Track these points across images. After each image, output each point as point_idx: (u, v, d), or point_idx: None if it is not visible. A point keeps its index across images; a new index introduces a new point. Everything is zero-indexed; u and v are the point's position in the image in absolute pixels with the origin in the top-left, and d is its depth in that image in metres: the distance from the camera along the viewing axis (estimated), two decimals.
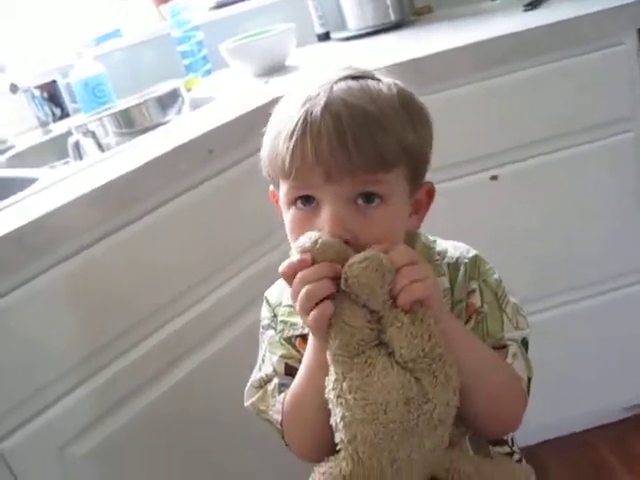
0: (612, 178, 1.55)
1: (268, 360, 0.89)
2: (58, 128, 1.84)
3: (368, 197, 0.74)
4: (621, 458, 1.77)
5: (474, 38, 1.47)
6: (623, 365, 1.71)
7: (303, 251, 0.71)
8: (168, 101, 1.54)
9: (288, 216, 0.78)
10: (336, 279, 0.70)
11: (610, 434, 1.83)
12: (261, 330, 0.93)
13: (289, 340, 0.87)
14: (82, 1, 2.12)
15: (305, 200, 0.76)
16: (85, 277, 1.12)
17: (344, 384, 0.70)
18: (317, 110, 0.72)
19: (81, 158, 1.50)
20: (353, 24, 1.93)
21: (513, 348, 0.84)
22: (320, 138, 0.71)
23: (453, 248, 0.88)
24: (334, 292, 0.70)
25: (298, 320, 0.84)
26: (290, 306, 0.87)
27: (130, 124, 1.52)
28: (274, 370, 0.88)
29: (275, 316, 0.90)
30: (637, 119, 1.53)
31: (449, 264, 0.86)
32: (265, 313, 0.93)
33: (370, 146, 0.72)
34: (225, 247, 1.30)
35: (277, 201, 0.83)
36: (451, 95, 1.44)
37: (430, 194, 0.83)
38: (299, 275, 0.71)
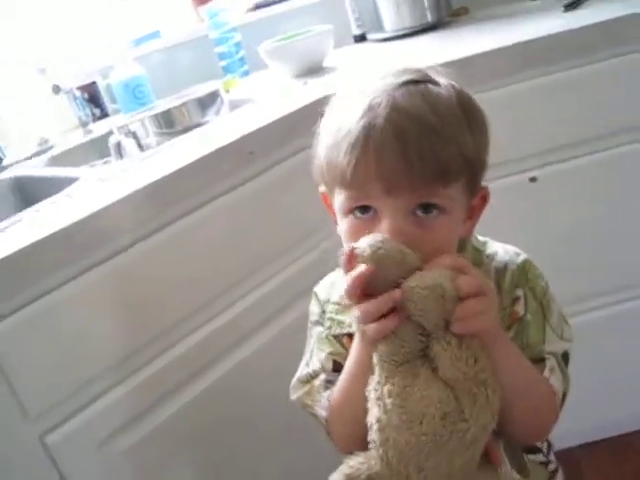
0: None
1: (316, 356, 0.90)
2: (98, 128, 1.87)
3: (427, 208, 0.73)
4: None
5: (515, 39, 1.46)
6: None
7: (363, 261, 0.70)
8: (208, 102, 1.55)
9: (344, 224, 0.78)
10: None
11: None
12: (309, 325, 0.94)
13: (337, 337, 0.88)
14: (122, 2, 2.15)
15: (363, 209, 0.75)
16: (127, 277, 1.13)
17: (385, 388, 0.71)
18: (379, 122, 0.71)
19: (122, 158, 1.52)
20: (390, 25, 1.92)
21: (551, 362, 0.83)
22: (383, 152, 0.71)
23: (503, 251, 0.87)
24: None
25: (346, 318, 0.86)
26: (338, 303, 0.88)
27: (170, 124, 1.53)
28: (322, 367, 0.89)
29: (324, 312, 0.91)
30: None
31: (497, 268, 0.85)
32: (314, 309, 0.93)
33: (433, 160, 0.71)
34: (265, 248, 1.31)
35: (328, 203, 0.84)
36: (493, 96, 1.43)
37: (484, 199, 0.83)
38: (359, 306, 0.70)
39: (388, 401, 0.71)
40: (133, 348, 1.15)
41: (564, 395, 0.84)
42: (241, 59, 1.99)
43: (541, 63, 1.43)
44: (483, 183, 0.81)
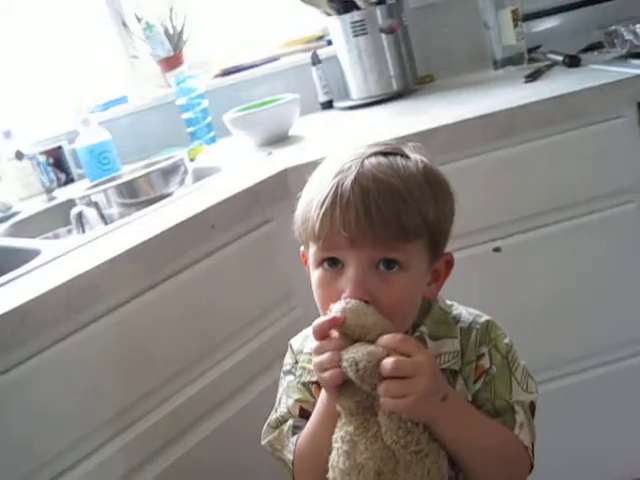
0: (614, 249, 1.55)
1: (284, 402, 0.96)
2: (63, 194, 1.85)
3: (389, 263, 0.80)
4: None
5: (478, 110, 1.48)
6: (634, 435, 1.68)
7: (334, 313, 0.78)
8: (171, 172, 1.55)
9: (315, 275, 0.85)
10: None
11: None
12: (281, 375, 0.99)
13: (306, 385, 0.94)
14: (90, 66, 2.16)
15: (331, 262, 0.82)
16: (85, 352, 1.10)
17: (341, 432, 0.79)
18: (347, 182, 0.79)
19: (84, 228, 1.50)
20: (356, 93, 1.95)
21: (520, 417, 0.87)
22: (348, 208, 0.78)
23: (467, 313, 0.93)
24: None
25: None
26: (310, 354, 0.91)
27: (133, 195, 1.53)
28: (289, 412, 0.94)
29: (296, 362, 0.97)
30: (638, 190, 1.53)
31: (462, 328, 0.91)
32: (287, 359, 0.99)
33: (393, 218, 0.78)
34: (227, 322, 1.29)
35: (306, 262, 0.89)
36: (455, 167, 1.43)
37: (449, 264, 0.89)
38: (319, 344, 0.79)
39: (339, 445, 0.79)
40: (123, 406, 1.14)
41: (532, 445, 0.89)
42: (208, 125, 2.00)
43: (503, 135, 1.45)
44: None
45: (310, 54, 2.05)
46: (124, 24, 2.15)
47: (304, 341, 0.97)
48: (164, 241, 1.21)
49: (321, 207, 0.80)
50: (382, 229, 0.78)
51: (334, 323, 0.77)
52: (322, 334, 0.79)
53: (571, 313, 1.55)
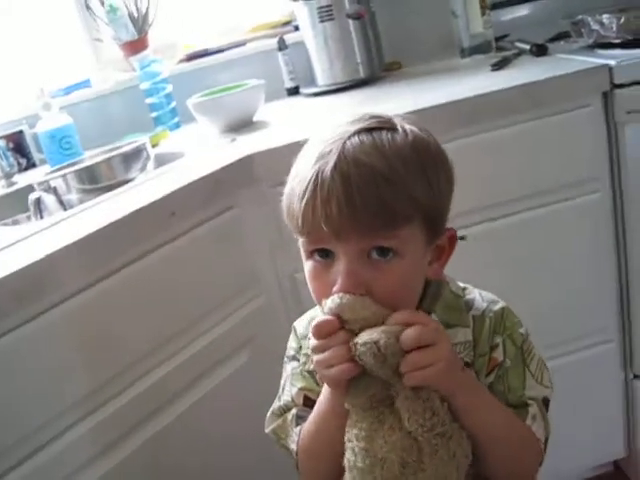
0: (580, 238, 1.55)
1: (288, 391, 0.93)
2: (23, 179, 1.81)
3: (382, 251, 0.75)
4: None
5: (444, 98, 1.47)
6: (593, 424, 1.69)
7: (328, 313, 0.75)
8: (133, 158, 1.52)
9: (307, 267, 0.81)
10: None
11: None
12: (285, 360, 0.96)
13: (311, 373, 0.90)
14: (52, 50, 2.11)
15: (322, 253, 0.78)
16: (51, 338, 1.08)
17: (354, 430, 0.76)
18: (328, 169, 0.74)
19: (42, 214, 1.47)
20: (322, 79, 1.93)
21: (533, 409, 0.86)
22: (329, 200, 0.73)
23: (481, 299, 0.89)
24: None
25: None
26: None
27: (94, 181, 1.50)
28: (292, 400, 0.92)
29: (300, 348, 0.93)
30: (604, 179, 1.53)
31: (474, 316, 0.87)
32: (291, 344, 0.96)
33: (378, 206, 0.73)
34: (188, 310, 1.27)
35: None
36: None
37: (452, 239, 0.85)
38: (319, 342, 0.76)
39: (355, 443, 0.75)
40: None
41: (546, 440, 0.88)
42: (172, 111, 1.96)
43: (468, 123, 1.45)
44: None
45: (277, 39, 2.02)
46: (87, 6, 2.10)
47: (309, 325, 0.91)
48: (123, 227, 1.18)
49: (302, 199, 0.75)
50: (367, 219, 0.73)
51: (333, 326, 0.74)
52: (322, 335, 0.75)
53: (537, 302, 1.55)
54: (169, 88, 1.96)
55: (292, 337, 0.96)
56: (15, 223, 1.64)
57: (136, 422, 1.19)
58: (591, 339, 1.64)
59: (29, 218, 1.61)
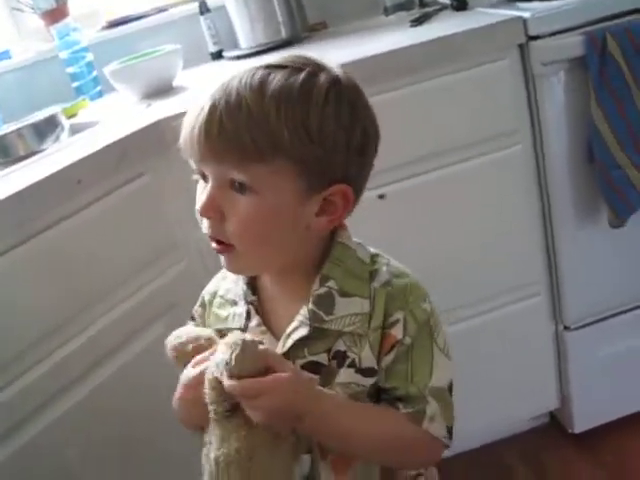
0: (503, 191, 1.56)
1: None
2: None
3: (240, 185, 0.76)
4: (530, 467, 1.79)
5: (359, 54, 1.45)
6: (526, 376, 1.72)
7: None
8: (46, 128, 1.48)
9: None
10: None
11: (518, 444, 1.85)
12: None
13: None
14: None
15: (202, 174, 0.80)
16: None
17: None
18: (206, 98, 0.76)
19: None
20: (245, 42, 1.89)
21: (431, 409, 0.84)
22: (196, 122, 0.75)
23: (386, 271, 0.86)
24: None
25: (226, 312, 0.92)
26: (223, 297, 0.93)
27: (5, 152, 1.46)
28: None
29: (207, 305, 0.96)
30: (523, 132, 1.54)
31: (375, 288, 0.84)
32: (195, 307, 0.99)
33: (232, 138, 0.74)
34: (97, 282, 1.25)
35: None
36: None
37: (346, 197, 0.81)
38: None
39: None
40: None
41: (451, 428, 0.87)
42: (94, 80, 1.91)
43: (383, 79, 1.43)
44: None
45: (198, 3, 1.98)
46: None
47: (221, 281, 0.95)
48: (29, 197, 1.15)
49: (185, 125, 0.78)
50: (219, 147, 0.75)
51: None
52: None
53: (459, 259, 1.56)
54: (89, 57, 1.91)
55: (212, 282, 0.98)
56: None
57: (46, 398, 1.17)
58: (520, 293, 1.65)
59: None
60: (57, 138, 1.49)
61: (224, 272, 0.94)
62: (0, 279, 1.11)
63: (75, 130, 1.53)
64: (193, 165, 0.81)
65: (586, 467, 1.74)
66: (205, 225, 0.81)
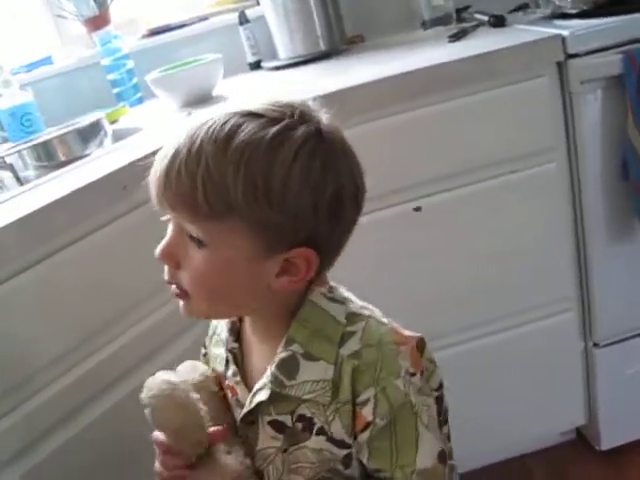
0: (537, 208, 1.56)
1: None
2: None
3: (195, 238, 0.75)
4: None
5: (399, 69, 1.47)
6: (554, 391, 1.72)
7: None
8: (90, 133, 1.51)
9: None
10: None
11: (545, 459, 1.85)
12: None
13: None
14: (14, 27, 2.09)
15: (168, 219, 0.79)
16: None
17: None
18: (169, 144, 0.74)
19: None
20: (284, 53, 1.93)
21: None
22: (159, 167, 0.74)
23: (360, 338, 0.79)
24: None
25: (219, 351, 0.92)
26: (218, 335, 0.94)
27: (50, 157, 1.49)
28: None
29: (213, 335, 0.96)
30: (559, 150, 1.54)
31: (342, 355, 0.78)
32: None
33: (187, 193, 0.71)
34: (141, 285, 1.27)
35: None
36: (374, 126, 1.44)
37: (309, 261, 0.76)
38: None
39: None
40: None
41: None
42: (134, 87, 1.95)
43: (422, 94, 1.45)
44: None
45: (238, 13, 2.01)
46: None
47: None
48: (75, 201, 1.17)
49: (155, 162, 0.77)
50: (173, 200, 0.73)
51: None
52: None
53: (491, 273, 1.57)
54: (130, 64, 1.95)
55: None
56: None
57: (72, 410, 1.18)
58: (551, 308, 1.65)
59: None
60: (101, 143, 1.52)
61: None
62: (43, 283, 1.14)
63: (118, 136, 1.56)
64: None
65: None
66: (164, 269, 0.80)
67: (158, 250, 0.78)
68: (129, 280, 1.26)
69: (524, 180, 1.54)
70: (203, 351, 0.99)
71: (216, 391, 0.91)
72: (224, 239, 0.74)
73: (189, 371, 0.91)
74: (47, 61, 2.08)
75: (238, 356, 0.88)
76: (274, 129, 0.71)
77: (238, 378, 0.87)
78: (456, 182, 1.51)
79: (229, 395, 0.90)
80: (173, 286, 0.80)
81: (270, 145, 0.70)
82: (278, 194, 0.71)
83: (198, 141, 0.71)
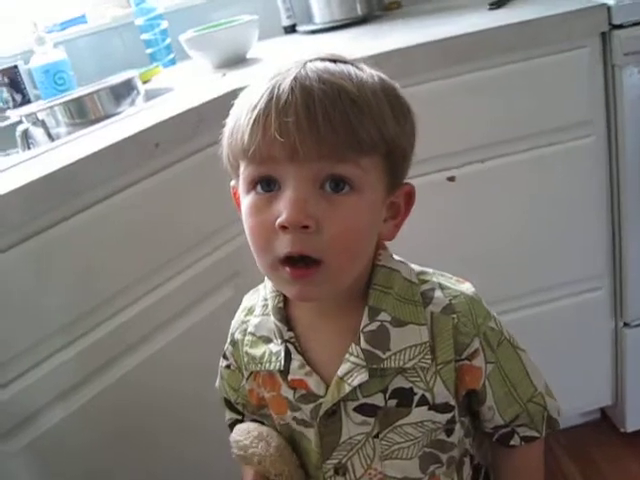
0: (572, 182, 1.53)
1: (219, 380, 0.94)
2: (17, 115, 1.80)
3: (337, 183, 0.65)
4: (578, 463, 1.77)
5: (436, 35, 1.44)
6: (581, 370, 1.70)
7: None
8: (122, 92, 1.50)
9: (246, 202, 0.69)
10: None
11: (567, 438, 1.84)
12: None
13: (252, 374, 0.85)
14: None
15: (266, 184, 0.67)
16: (21, 272, 1.08)
17: None
18: (286, 82, 0.65)
19: (29, 148, 1.46)
20: (319, 17, 1.90)
21: (550, 406, 0.84)
22: (286, 110, 0.63)
23: (442, 292, 0.77)
24: None
25: (259, 352, 0.82)
26: (253, 334, 0.83)
27: (82, 114, 1.49)
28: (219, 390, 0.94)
29: (235, 343, 0.87)
30: (597, 123, 1.51)
31: (433, 313, 0.75)
32: (231, 329, 0.88)
33: (343, 124, 0.63)
34: (167, 245, 1.27)
35: (237, 199, 0.75)
36: (409, 93, 1.40)
37: (409, 196, 0.75)
38: None
39: None
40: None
41: (550, 418, 0.85)
42: (167, 47, 1.94)
43: (461, 61, 1.41)
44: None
45: None
46: None
47: (255, 297, 0.86)
48: (107, 157, 1.17)
49: (253, 110, 0.65)
50: (330, 136, 0.63)
51: None
52: None
53: (522, 246, 1.55)
54: (164, 24, 1.93)
55: (236, 317, 0.88)
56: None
57: (118, 353, 1.20)
58: (582, 285, 1.63)
59: (18, 153, 1.60)
60: (133, 102, 1.51)
61: (245, 304, 0.87)
62: (74, 239, 1.14)
63: (150, 95, 1.55)
64: (248, 171, 0.69)
65: (635, 467, 1.72)
66: (286, 243, 0.66)
67: (289, 214, 0.64)
68: (159, 238, 1.25)
69: (560, 153, 1.50)
70: (224, 363, 0.90)
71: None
72: (367, 180, 0.67)
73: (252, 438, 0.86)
74: (81, 20, 2.07)
75: (298, 346, 0.78)
76: (375, 77, 0.71)
77: (309, 368, 0.77)
78: (491, 152, 1.48)
79: (292, 392, 0.80)
80: (287, 268, 0.67)
81: (383, 86, 0.71)
82: (411, 126, 0.72)
83: (320, 79, 0.65)
